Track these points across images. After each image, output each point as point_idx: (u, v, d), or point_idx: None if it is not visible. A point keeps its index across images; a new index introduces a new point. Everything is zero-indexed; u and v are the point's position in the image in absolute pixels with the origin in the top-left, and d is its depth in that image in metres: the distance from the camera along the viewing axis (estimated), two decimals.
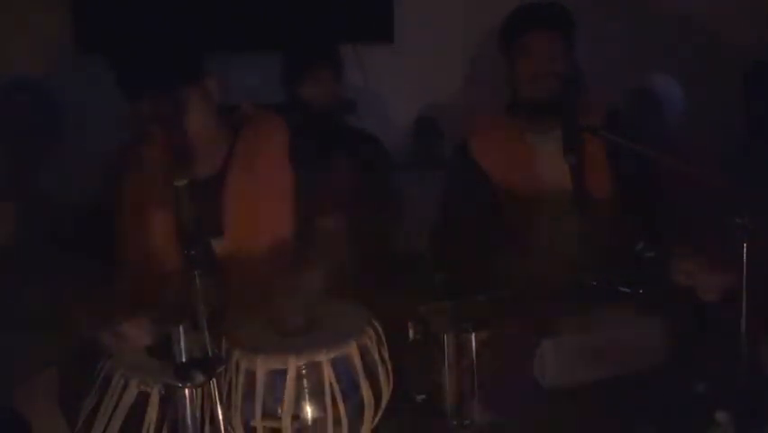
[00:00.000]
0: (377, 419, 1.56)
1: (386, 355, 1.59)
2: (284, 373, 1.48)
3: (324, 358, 1.49)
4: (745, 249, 1.60)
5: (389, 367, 1.59)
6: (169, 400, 1.46)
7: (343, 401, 1.49)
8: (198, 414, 1.35)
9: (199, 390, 1.34)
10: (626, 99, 3.00)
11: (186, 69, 1.81)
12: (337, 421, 1.50)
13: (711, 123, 3.05)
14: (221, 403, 1.38)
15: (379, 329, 1.60)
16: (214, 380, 1.35)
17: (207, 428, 1.45)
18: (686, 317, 1.78)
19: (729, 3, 3.36)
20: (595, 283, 1.91)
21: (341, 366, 1.51)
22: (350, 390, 1.51)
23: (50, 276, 2.20)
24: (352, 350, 1.52)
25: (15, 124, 2.78)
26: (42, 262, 2.28)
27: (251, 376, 1.49)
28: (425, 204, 2.49)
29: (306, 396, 1.49)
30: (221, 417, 1.38)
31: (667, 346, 1.73)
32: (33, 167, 2.70)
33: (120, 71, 1.78)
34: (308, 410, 1.49)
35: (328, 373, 1.48)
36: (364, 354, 1.54)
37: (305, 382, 1.49)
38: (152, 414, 1.48)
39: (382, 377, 1.56)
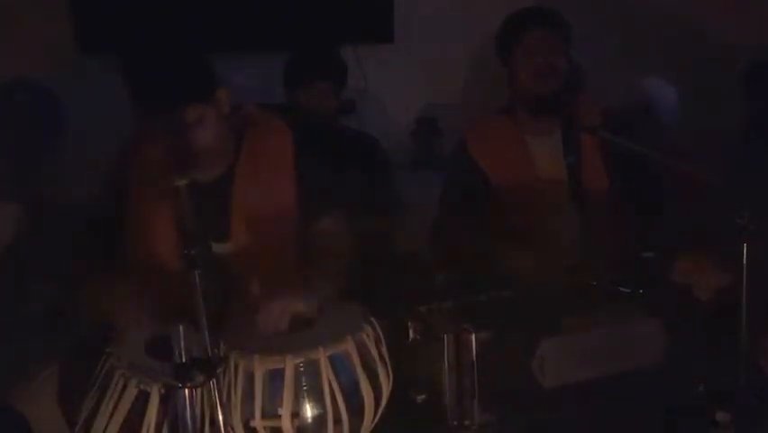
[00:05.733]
0: (377, 417, 1.56)
1: (384, 352, 1.59)
2: (282, 372, 1.48)
3: (321, 355, 1.49)
4: (744, 249, 1.60)
5: (389, 364, 1.59)
6: (169, 400, 1.46)
7: (343, 399, 1.49)
8: (198, 414, 1.35)
9: (199, 390, 1.33)
10: (625, 99, 3.00)
11: (201, 86, 1.82)
12: (337, 420, 1.50)
13: (711, 123, 3.05)
14: (221, 404, 1.38)
15: (377, 327, 1.60)
16: (214, 380, 1.35)
17: (208, 428, 1.45)
18: (686, 316, 1.78)
19: (729, 3, 3.36)
20: (595, 283, 1.91)
21: (339, 364, 1.51)
22: (349, 387, 1.51)
23: (51, 276, 2.20)
24: (349, 346, 1.52)
25: (16, 124, 2.78)
26: (43, 261, 2.28)
27: (249, 376, 1.49)
28: (425, 204, 2.49)
29: (305, 394, 1.49)
30: (221, 417, 1.38)
31: (667, 347, 1.73)
32: (34, 167, 2.70)
33: (134, 88, 1.78)
34: (308, 408, 1.49)
35: (326, 370, 1.49)
36: (362, 351, 1.54)
37: (303, 379, 1.49)
38: (152, 414, 1.48)
39: (381, 374, 1.56)
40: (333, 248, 1.88)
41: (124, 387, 1.51)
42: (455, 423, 1.66)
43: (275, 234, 1.90)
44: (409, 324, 1.77)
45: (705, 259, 1.89)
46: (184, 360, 1.30)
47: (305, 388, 1.49)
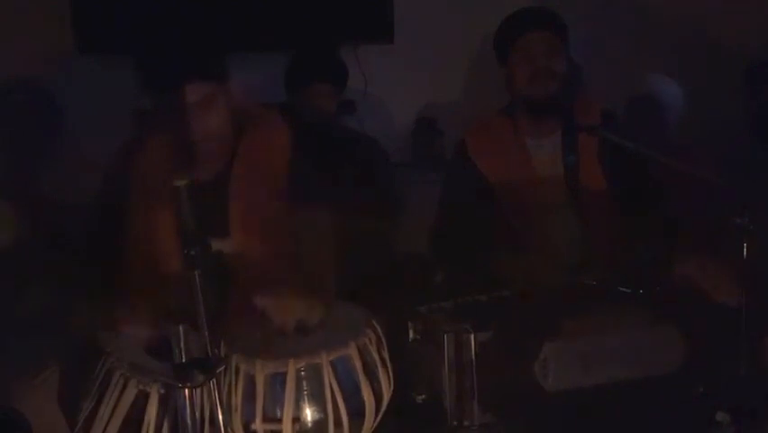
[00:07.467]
0: (377, 420, 1.56)
1: (386, 356, 1.59)
2: (284, 375, 1.47)
3: (323, 360, 1.48)
4: (745, 249, 1.60)
5: (390, 368, 1.59)
6: (169, 400, 1.46)
7: (344, 403, 1.49)
8: (198, 414, 1.35)
9: (199, 390, 1.33)
10: (626, 99, 3.00)
11: (212, 64, 1.84)
12: (338, 423, 1.49)
13: (711, 123, 3.05)
14: (220, 404, 1.38)
15: (379, 330, 1.60)
16: (214, 380, 1.35)
17: (207, 429, 1.45)
18: (686, 317, 1.78)
19: (729, 3, 3.36)
20: (595, 283, 1.91)
21: (340, 367, 1.50)
22: (350, 391, 1.51)
23: (50, 276, 2.20)
24: (352, 351, 1.52)
25: (15, 124, 2.78)
26: (43, 261, 2.28)
27: (250, 379, 1.49)
28: (425, 204, 2.49)
29: (306, 398, 1.49)
30: (221, 417, 1.38)
31: (672, 349, 1.73)
32: (33, 167, 2.70)
33: (146, 65, 1.79)
34: (308, 412, 1.49)
35: (328, 375, 1.48)
36: (364, 354, 1.54)
37: (304, 384, 1.48)
38: (152, 414, 1.48)
39: (382, 378, 1.56)
40: (318, 246, 1.88)
41: (124, 387, 1.51)
42: (455, 423, 1.66)
43: (274, 231, 1.90)
44: (409, 324, 1.77)
45: (706, 261, 1.88)
46: (184, 360, 1.30)
47: (306, 392, 1.49)
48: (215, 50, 1.88)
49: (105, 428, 1.51)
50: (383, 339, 1.60)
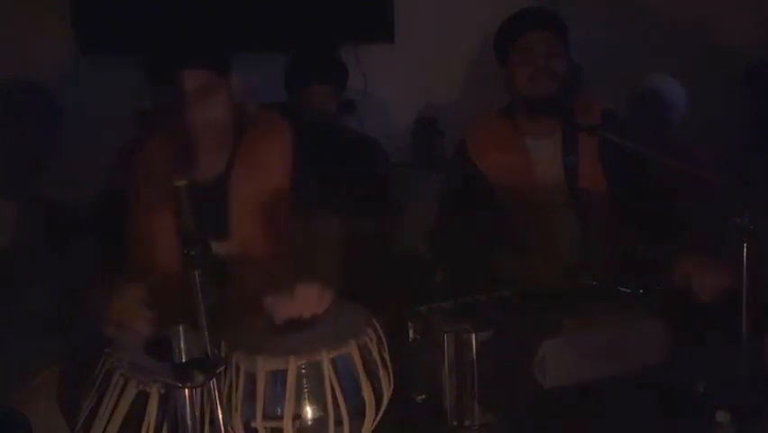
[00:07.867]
0: (377, 419, 1.56)
1: (386, 355, 1.59)
2: (284, 373, 1.48)
3: (324, 357, 1.49)
4: (744, 249, 1.60)
5: (390, 367, 1.59)
6: (169, 400, 1.46)
7: (344, 401, 1.49)
8: (198, 414, 1.35)
9: (199, 390, 1.33)
10: (627, 99, 3.00)
11: (215, 52, 1.85)
12: (338, 422, 1.50)
13: (711, 123, 3.05)
14: (221, 404, 1.38)
15: (379, 329, 1.60)
16: (214, 380, 1.35)
17: (207, 428, 1.45)
18: (686, 317, 1.79)
19: (729, 3, 3.36)
20: (595, 283, 1.92)
21: (341, 366, 1.51)
22: (351, 389, 1.51)
23: (50, 276, 2.20)
24: (352, 349, 1.52)
25: (15, 124, 2.78)
26: (42, 261, 2.28)
27: (251, 377, 1.49)
28: (425, 204, 2.49)
29: (307, 396, 1.49)
30: (221, 417, 1.38)
31: (667, 347, 1.73)
32: (33, 167, 2.70)
33: (150, 52, 1.81)
34: (309, 410, 1.49)
35: (328, 373, 1.48)
36: (364, 353, 1.54)
37: (305, 381, 1.49)
38: (152, 414, 1.48)
39: (383, 377, 1.56)
40: (325, 248, 1.88)
41: (124, 387, 1.51)
42: (455, 423, 1.66)
43: (274, 232, 1.90)
44: (409, 324, 1.77)
45: (705, 261, 1.89)
46: (184, 360, 1.30)
47: (306, 390, 1.49)
48: (216, 40, 1.88)
49: (105, 428, 1.51)
50: (383, 339, 1.60)
